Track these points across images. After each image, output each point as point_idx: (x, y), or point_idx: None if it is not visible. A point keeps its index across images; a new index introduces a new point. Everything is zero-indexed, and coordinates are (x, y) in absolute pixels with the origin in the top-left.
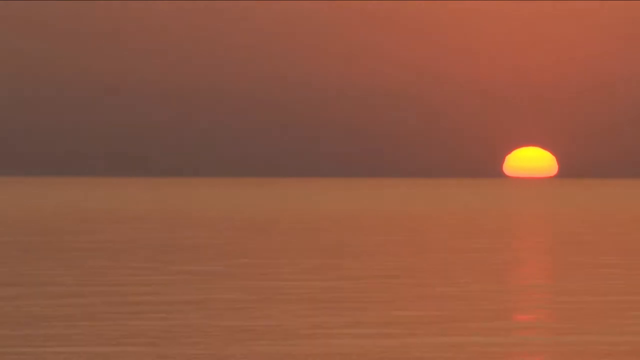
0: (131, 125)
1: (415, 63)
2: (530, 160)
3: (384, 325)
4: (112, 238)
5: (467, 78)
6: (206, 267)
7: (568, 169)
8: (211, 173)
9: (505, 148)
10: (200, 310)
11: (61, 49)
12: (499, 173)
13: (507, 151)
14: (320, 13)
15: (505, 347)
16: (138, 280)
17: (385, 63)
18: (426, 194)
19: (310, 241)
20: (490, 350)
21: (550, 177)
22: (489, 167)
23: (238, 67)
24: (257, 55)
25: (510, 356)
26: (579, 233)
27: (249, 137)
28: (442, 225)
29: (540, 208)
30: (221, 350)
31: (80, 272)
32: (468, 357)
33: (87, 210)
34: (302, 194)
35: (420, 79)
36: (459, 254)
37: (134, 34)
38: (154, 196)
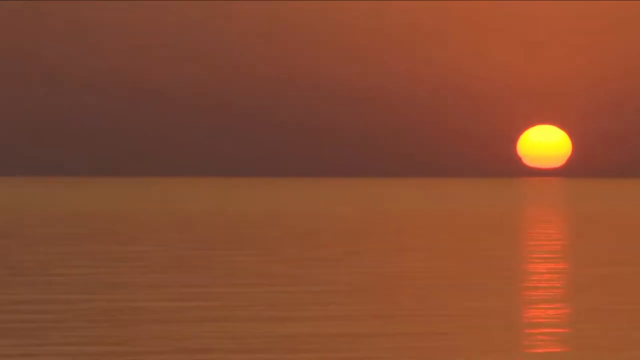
0: (131, 124)
1: (416, 61)
2: (544, 146)
3: None
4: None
5: (473, 72)
6: None
7: (582, 149)
8: (212, 173)
9: (520, 126)
10: None
11: (61, 48)
12: (511, 154)
13: (521, 130)
14: (321, 14)
15: None
16: None
17: (386, 61)
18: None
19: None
20: None
21: (564, 164)
22: (501, 149)
23: (238, 68)
24: (256, 56)
25: None
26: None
27: (247, 137)
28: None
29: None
30: None
31: None
32: None
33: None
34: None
35: (419, 76)
36: None
37: (134, 33)
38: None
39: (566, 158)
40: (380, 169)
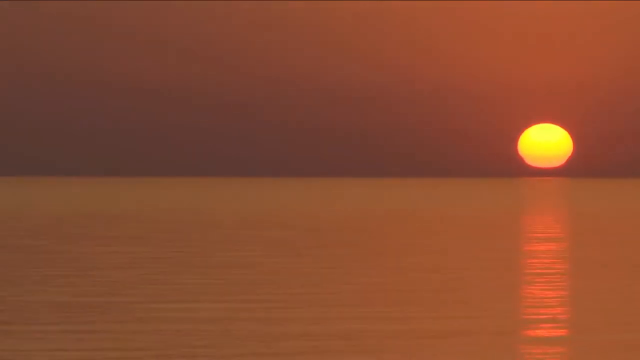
0: (131, 124)
1: (415, 61)
2: (545, 145)
3: None
4: None
5: (476, 71)
6: None
7: (583, 149)
8: (212, 173)
9: (520, 126)
10: None
11: (61, 48)
12: (512, 154)
13: (521, 129)
14: (321, 14)
15: None
16: None
17: (386, 61)
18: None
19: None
20: None
21: (566, 162)
22: (502, 148)
23: (238, 68)
24: (254, 56)
25: None
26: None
27: (247, 137)
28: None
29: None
30: None
31: None
32: None
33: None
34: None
35: (420, 76)
36: None
37: (134, 33)
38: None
39: (567, 157)
40: (380, 169)
